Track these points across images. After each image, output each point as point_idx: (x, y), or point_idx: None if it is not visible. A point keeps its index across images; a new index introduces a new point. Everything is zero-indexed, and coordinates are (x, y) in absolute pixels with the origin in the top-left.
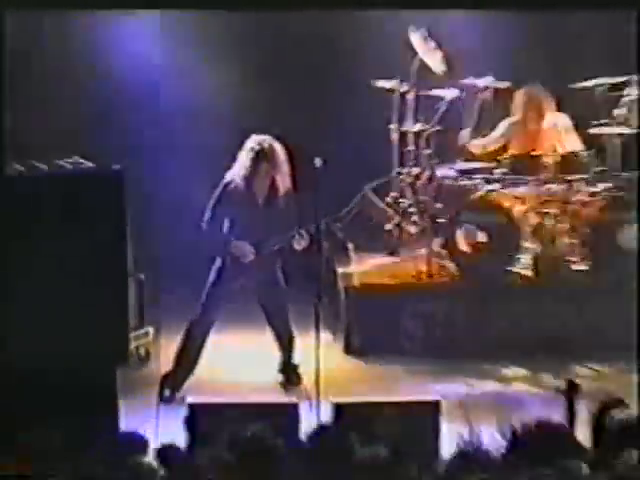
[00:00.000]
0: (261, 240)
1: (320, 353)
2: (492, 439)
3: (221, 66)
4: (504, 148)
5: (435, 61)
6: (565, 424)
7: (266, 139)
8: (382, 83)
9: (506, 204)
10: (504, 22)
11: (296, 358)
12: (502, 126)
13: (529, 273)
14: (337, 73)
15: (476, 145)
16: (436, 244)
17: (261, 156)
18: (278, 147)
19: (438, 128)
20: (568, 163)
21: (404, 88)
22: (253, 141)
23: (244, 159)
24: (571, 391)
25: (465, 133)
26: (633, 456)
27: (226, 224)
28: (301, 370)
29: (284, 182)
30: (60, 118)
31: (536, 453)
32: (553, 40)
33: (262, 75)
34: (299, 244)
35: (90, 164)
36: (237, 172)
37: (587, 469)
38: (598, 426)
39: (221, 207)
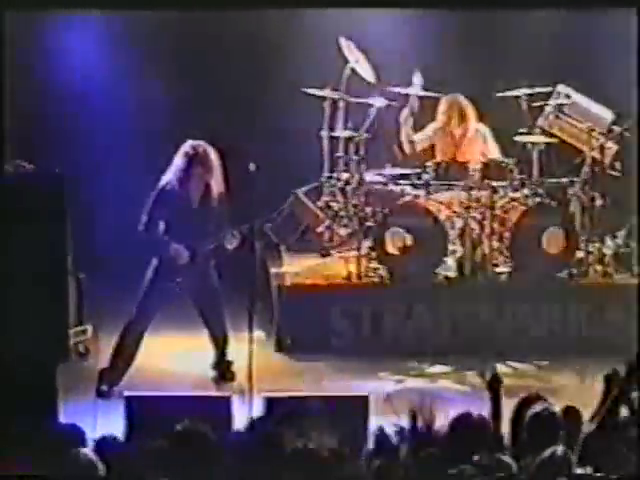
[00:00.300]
0: (196, 241)
1: (253, 350)
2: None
3: (157, 69)
4: (431, 155)
5: (365, 69)
6: (488, 418)
7: (200, 144)
8: (314, 91)
9: (432, 208)
10: (432, 29)
11: (230, 355)
12: (428, 128)
13: (454, 275)
14: (271, 78)
15: (406, 143)
16: (365, 246)
17: (195, 160)
18: (212, 152)
19: (367, 135)
20: (492, 170)
21: (335, 95)
22: (188, 146)
23: (179, 163)
24: (495, 384)
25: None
26: (555, 450)
27: (162, 226)
28: (234, 366)
29: (217, 185)
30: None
31: (459, 448)
32: (479, 48)
33: (197, 81)
34: (230, 243)
35: (31, 167)
36: (172, 176)
37: (513, 462)
38: (518, 420)
39: (157, 210)
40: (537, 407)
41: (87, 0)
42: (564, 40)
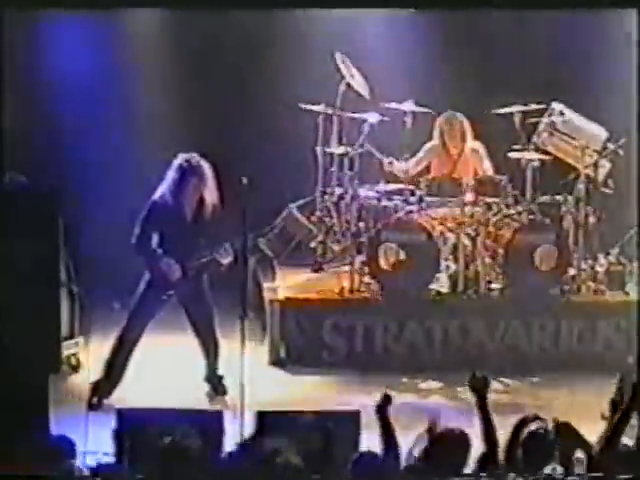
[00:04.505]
0: (188, 255)
1: (245, 364)
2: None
3: (154, 85)
4: (426, 171)
5: (360, 85)
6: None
7: (194, 156)
8: (308, 106)
9: (425, 224)
10: (428, 45)
11: (222, 368)
12: (422, 150)
13: (447, 290)
14: (265, 93)
15: (399, 169)
16: (358, 261)
17: (189, 173)
18: (205, 164)
19: (361, 150)
20: (485, 186)
21: (329, 111)
22: (181, 158)
23: (173, 176)
24: (477, 385)
25: (387, 161)
26: (553, 469)
27: (155, 239)
28: (226, 380)
29: (212, 198)
30: None
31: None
32: (475, 64)
33: (191, 94)
34: (224, 258)
35: (25, 179)
36: (166, 189)
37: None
38: (515, 440)
39: (150, 223)
40: (533, 426)
41: (87, 0)
42: (560, 56)
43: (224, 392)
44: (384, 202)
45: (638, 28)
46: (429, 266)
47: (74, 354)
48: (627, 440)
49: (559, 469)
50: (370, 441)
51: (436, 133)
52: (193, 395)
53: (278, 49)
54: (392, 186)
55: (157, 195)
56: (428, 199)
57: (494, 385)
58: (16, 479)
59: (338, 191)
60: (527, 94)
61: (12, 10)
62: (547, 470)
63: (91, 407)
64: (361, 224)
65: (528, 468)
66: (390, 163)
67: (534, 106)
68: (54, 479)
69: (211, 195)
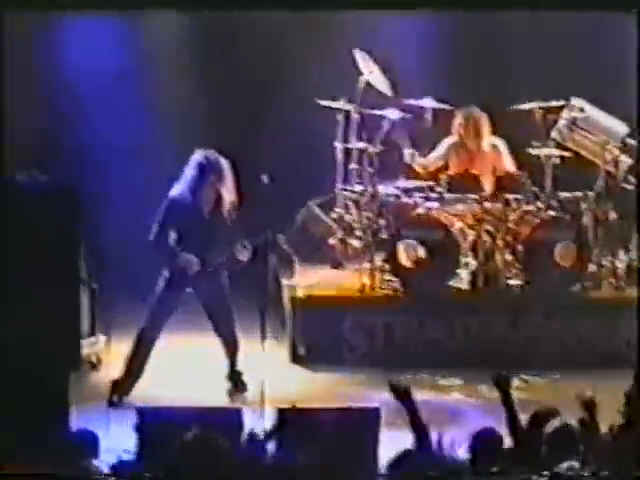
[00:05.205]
0: (207, 252)
1: (265, 361)
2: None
3: (171, 81)
4: (445, 167)
5: (380, 81)
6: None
7: (212, 153)
8: (327, 102)
9: (445, 221)
10: (447, 42)
11: (241, 365)
12: (441, 146)
13: (466, 287)
14: (285, 90)
15: (418, 164)
16: (378, 258)
17: (207, 170)
18: (224, 161)
19: (381, 147)
20: (505, 182)
21: (349, 107)
22: (200, 156)
23: (191, 173)
24: (502, 384)
25: (408, 152)
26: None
27: (173, 236)
28: (247, 378)
29: (230, 195)
30: (17, 132)
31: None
32: (493, 61)
33: (210, 91)
34: (242, 255)
35: (46, 178)
36: (184, 186)
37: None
38: (531, 434)
39: (168, 220)
40: (556, 422)
41: (87, 0)
42: (579, 53)
43: (244, 389)
44: (404, 199)
45: (638, 29)
46: (449, 263)
47: (95, 352)
48: None
49: (575, 465)
50: (390, 438)
51: (454, 129)
52: (213, 393)
53: (298, 45)
54: (412, 182)
55: (175, 192)
56: (447, 195)
57: (515, 382)
58: (37, 478)
59: (358, 188)
60: (547, 90)
61: (12, 10)
62: (564, 466)
63: (111, 405)
64: (381, 221)
65: (546, 464)
66: (412, 155)
67: (554, 102)
68: (74, 478)
69: (229, 192)
